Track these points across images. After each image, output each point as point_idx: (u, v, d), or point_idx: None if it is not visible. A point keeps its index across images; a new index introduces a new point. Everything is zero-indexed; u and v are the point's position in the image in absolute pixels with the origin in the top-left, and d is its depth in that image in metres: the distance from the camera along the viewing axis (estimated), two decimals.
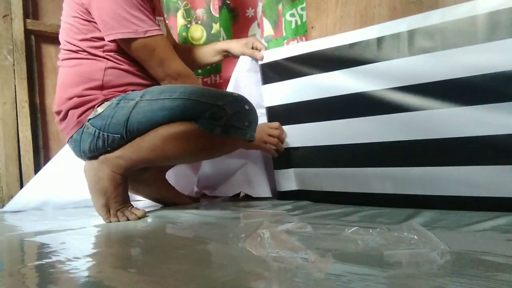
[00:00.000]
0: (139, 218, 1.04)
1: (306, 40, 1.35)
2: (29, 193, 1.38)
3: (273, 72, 1.25)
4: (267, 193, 1.32)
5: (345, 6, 1.30)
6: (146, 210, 1.14)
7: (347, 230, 0.72)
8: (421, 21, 0.96)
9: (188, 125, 1.00)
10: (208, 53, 1.38)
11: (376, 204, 1.05)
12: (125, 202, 1.07)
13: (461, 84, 0.90)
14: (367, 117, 1.05)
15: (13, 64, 1.54)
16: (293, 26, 1.36)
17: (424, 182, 0.98)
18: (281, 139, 1.24)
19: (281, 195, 1.28)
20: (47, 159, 1.62)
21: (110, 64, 1.08)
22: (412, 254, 0.54)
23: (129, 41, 1.05)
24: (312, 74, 1.15)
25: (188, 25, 1.59)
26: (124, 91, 1.09)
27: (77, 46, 1.09)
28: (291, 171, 1.24)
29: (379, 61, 1.02)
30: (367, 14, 1.25)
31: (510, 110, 0.85)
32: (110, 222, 1.03)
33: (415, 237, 0.60)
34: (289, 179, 1.24)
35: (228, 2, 1.56)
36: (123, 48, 1.08)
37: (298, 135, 1.21)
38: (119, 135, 1.03)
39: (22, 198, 1.38)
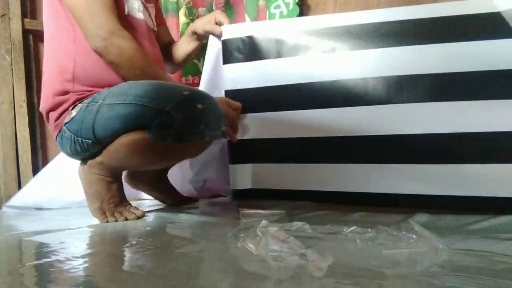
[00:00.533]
0: (138, 217, 1.03)
1: None
2: (31, 191, 1.37)
3: (235, 51, 1.13)
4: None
5: (344, 6, 1.31)
6: (146, 210, 1.13)
7: (346, 229, 0.72)
8: (404, 13, 0.96)
9: (142, 134, 0.93)
10: (184, 42, 1.31)
11: (335, 202, 1.01)
12: (122, 202, 1.06)
13: (455, 79, 0.90)
14: (339, 108, 0.98)
15: (11, 64, 1.53)
16: (277, 17, 1.36)
17: (400, 179, 0.95)
18: (234, 124, 1.12)
19: (236, 194, 1.19)
20: (45, 159, 1.61)
21: (80, 49, 1.02)
22: (410, 253, 0.54)
23: None
24: (278, 57, 1.05)
25: (190, 23, 1.59)
26: (96, 86, 1.03)
27: (52, 26, 1.06)
28: (249, 166, 1.14)
29: (358, 49, 0.97)
30: None
31: (505, 107, 0.86)
32: (108, 222, 1.02)
33: (414, 236, 0.61)
34: (246, 176, 1.14)
35: (228, 0, 1.57)
36: (65, 3, 1.00)
37: (259, 125, 1.11)
38: (90, 141, 0.99)
39: (24, 196, 1.37)
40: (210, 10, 1.58)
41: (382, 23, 0.96)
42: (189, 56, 1.34)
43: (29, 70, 1.59)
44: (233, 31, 1.13)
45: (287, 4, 1.34)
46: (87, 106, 1.00)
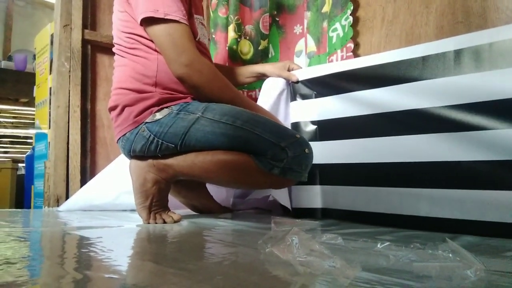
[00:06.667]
0: (175, 221, 1.06)
1: (346, 52, 1.34)
2: (86, 194, 1.44)
3: (302, 90, 1.27)
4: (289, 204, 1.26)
5: (391, 25, 1.30)
6: (183, 216, 1.16)
7: (379, 245, 0.70)
8: (468, 41, 0.94)
9: (247, 158, 1.01)
10: (243, 74, 1.40)
11: (406, 227, 1.00)
12: (164, 206, 1.10)
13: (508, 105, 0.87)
14: (401, 136, 1.02)
15: (69, 71, 1.64)
16: (334, 40, 1.36)
17: (463, 205, 0.93)
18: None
19: (297, 212, 1.22)
20: (93, 162, 1.69)
21: (162, 64, 1.08)
22: (443, 268, 0.52)
23: (150, 22, 1.04)
24: (344, 92, 1.14)
25: (238, 39, 1.64)
26: (176, 91, 1.08)
27: (131, 41, 1.10)
28: (316, 188, 1.21)
29: (416, 80, 1.00)
30: (413, 33, 1.24)
31: None
32: (148, 223, 1.05)
33: (450, 255, 0.58)
34: (313, 196, 1.20)
35: (277, 19, 1.60)
36: (148, 33, 1.07)
37: (326, 152, 1.19)
38: (173, 145, 1.04)
39: (78, 199, 1.44)
40: (256, 28, 1.62)
41: (445, 52, 0.97)
42: (241, 85, 1.47)
43: (85, 77, 1.70)
44: (303, 74, 1.28)
45: (343, 27, 1.35)
46: (177, 113, 1.04)
